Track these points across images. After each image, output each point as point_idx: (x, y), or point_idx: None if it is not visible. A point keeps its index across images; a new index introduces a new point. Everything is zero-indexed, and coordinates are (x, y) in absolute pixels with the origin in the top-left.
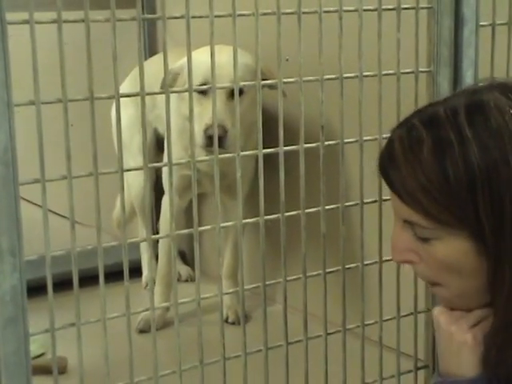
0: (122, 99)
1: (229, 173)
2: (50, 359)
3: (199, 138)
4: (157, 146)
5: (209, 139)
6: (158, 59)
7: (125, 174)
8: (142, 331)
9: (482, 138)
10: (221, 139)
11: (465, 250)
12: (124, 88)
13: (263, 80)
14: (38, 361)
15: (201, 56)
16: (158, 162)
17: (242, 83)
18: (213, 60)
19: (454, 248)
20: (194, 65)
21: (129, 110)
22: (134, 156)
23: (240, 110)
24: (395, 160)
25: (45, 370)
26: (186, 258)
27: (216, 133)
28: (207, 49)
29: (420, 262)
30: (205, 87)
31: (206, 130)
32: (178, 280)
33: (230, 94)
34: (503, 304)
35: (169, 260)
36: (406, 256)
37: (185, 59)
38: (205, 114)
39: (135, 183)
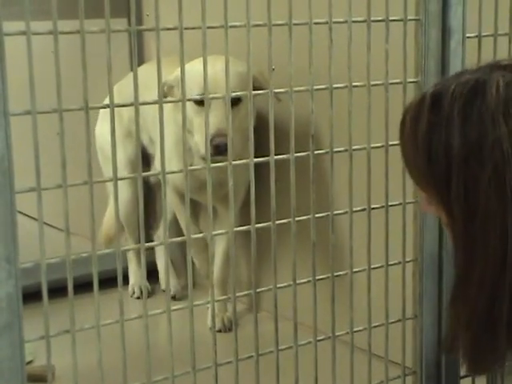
0: (103, 114)
1: (228, 181)
2: (38, 367)
3: (203, 148)
4: (143, 160)
5: (215, 148)
6: (145, 69)
7: (111, 188)
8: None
9: (468, 124)
10: (225, 147)
11: (444, 221)
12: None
13: (258, 85)
14: (27, 368)
15: (196, 67)
16: (145, 178)
17: (235, 94)
18: (205, 70)
19: (442, 217)
20: (189, 76)
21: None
22: (119, 170)
23: (239, 117)
24: (404, 124)
25: (34, 378)
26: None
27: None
28: (201, 60)
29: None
30: (198, 97)
31: (211, 140)
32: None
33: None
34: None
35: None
36: (426, 209)
37: (179, 71)
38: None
39: (122, 197)
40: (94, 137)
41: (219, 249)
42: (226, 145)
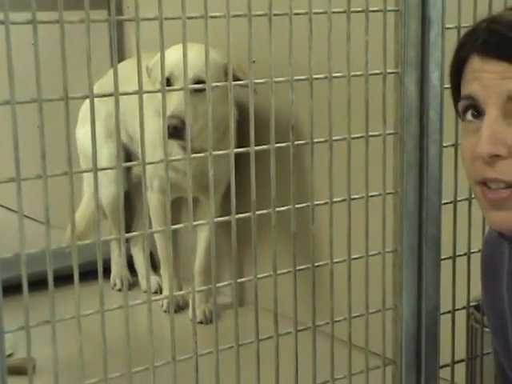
0: (82, 118)
1: (208, 171)
2: (19, 359)
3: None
4: (125, 160)
5: (168, 129)
6: (126, 64)
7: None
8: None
9: None
10: (177, 129)
11: None
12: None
13: (235, 78)
14: (7, 361)
15: (169, 51)
16: (128, 176)
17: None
18: (185, 61)
19: None
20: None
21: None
22: (106, 185)
23: (204, 102)
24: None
25: (14, 371)
26: (154, 259)
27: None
28: (178, 46)
29: (508, 158)
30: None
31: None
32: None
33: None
34: None
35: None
36: (496, 148)
37: (158, 56)
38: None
39: (106, 192)
40: (75, 141)
41: (201, 240)
42: (180, 128)
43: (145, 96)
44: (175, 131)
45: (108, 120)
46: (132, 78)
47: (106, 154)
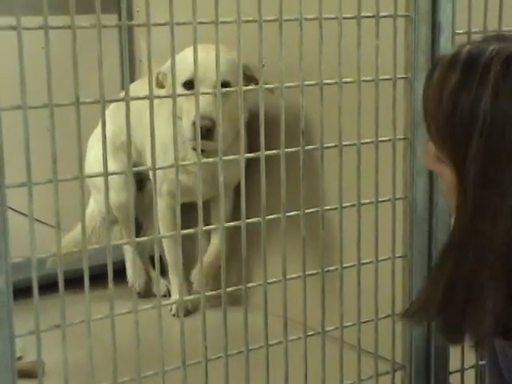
0: (90, 143)
1: (224, 175)
2: (28, 362)
3: (188, 132)
4: (137, 184)
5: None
6: (139, 85)
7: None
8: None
9: (502, 90)
10: (209, 131)
11: (450, 182)
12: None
13: (250, 74)
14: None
15: (187, 54)
16: (137, 201)
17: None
18: (196, 65)
19: (446, 176)
20: (181, 62)
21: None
22: (115, 191)
23: (227, 104)
24: (432, 75)
25: (23, 374)
26: (163, 263)
27: (198, 124)
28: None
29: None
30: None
31: (194, 123)
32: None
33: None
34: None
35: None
36: (430, 165)
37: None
38: (192, 108)
39: (117, 200)
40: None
41: (212, 246)
42: (210, 129)
43: (156, 101)
44: (207, 132)
45: (115, 138)
46: (143, 104)
47: (114, 169)
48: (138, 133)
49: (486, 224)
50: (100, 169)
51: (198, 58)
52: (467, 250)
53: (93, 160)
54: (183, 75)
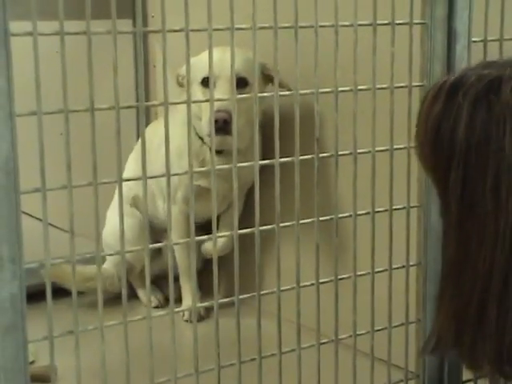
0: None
1: (240, 176)
2: (40, 367)
3: (206, 128)
4: (151, 234)
5: (215, 123)
6: (151, 131)
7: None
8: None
9: (475, 119)
10: (226, 123)
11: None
12: (129, 166)
13: (267, 72)
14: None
15: (204, 54)
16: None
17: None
18: (211, 72)
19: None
20: (199, 61)
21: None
22: (130, 243)
23: (244, 101)
24: (423, 104)
25: (36, 378)
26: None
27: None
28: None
29: None
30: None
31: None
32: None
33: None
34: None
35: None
36: None
37: (191, 61)
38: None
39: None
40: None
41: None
42: (227, 121)
43: (171, 106)
44: (224, 125)
45: (129, 192)
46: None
47: (130, 223)
48: (151, 182)
49: (472, 252)
50: (114, 243)
51: (215, 57)
52: (458, 279)
53: (109, 232)
54: (201, 73)
